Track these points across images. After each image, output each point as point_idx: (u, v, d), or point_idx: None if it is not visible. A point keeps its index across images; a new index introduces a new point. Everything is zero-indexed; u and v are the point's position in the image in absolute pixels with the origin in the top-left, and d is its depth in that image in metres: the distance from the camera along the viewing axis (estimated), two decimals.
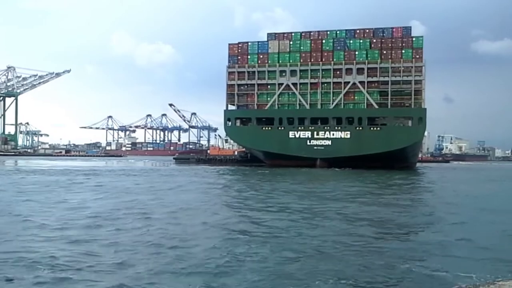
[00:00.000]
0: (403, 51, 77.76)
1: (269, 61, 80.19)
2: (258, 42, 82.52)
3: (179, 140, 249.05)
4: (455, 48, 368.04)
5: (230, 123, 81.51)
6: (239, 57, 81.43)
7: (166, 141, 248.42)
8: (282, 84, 79.34)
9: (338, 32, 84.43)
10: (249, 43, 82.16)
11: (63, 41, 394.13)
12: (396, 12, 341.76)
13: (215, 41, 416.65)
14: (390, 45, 78.92)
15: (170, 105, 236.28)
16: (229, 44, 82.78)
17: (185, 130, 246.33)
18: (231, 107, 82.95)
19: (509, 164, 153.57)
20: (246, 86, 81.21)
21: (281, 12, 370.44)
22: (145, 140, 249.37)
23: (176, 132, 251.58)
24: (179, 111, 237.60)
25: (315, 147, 75.93)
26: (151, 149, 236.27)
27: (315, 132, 76.31)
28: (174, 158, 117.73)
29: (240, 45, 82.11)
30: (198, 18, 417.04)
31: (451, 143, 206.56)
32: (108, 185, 34.54)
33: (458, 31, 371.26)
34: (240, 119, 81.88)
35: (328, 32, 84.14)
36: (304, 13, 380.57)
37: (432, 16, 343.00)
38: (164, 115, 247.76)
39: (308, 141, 76.43)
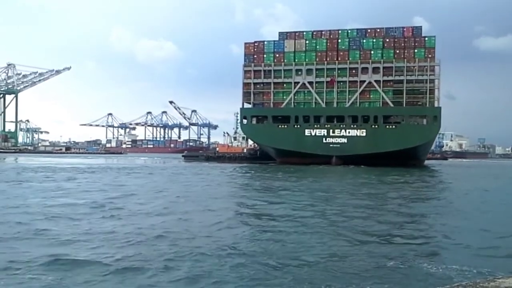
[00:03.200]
0: (416, 51, 79.13)
1: (285, 60, 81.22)
2: (274, 41, 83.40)
3: (179, 137, 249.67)
4: (457, 44, 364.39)
5: (246, 121, 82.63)
6: (255, 56, 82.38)
7: (166, 138, 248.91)
8: (298, 82, 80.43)
9: (349, 31, 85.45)
10: (265, 42, 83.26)
11: (62, 38, 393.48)
12: (398, 7, 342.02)
13: (215, 37, 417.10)
14: (403, 44, 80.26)
15: (170, 102, 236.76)
16: (245, 43, 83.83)
17: (186, 128, 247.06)
18: (247, 105, 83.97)
19: (511, 162, 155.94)
20: (262, 85, 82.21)
21: (281, 8, 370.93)
22: (145, 137, 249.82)
23: (176, 130, 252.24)
24: (179, 108, 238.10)
25: (331, 145, 77.18)
26: (151, 146, 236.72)
27: (331, 130, 77.55)
28: (183, 156, 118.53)
29: (256, 44, 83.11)
30: (198, 14, 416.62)
31: (451, 140, 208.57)
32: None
33: (460, 27, 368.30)
34: (256, 117, 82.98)
35: (340, 31, 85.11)
36: (304, 8, 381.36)
37: (434, 12, 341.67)
38: (164, 112, 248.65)
39: (324, 139, 77.64)
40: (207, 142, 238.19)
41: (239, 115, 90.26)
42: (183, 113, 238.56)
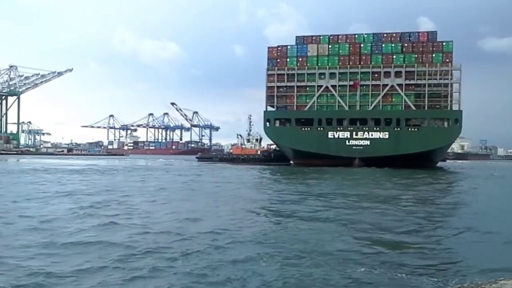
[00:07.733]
0: (434, 55, 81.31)
1: (308, 64, 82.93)
2: (297, 45, 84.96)
3: (181, 139, 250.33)
4: (462, 45, 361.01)
5: (269, 123, 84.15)
6: (278, 60, 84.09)
7: (168, 140, 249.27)
8: (321, 86, 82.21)
9: (365, 36, 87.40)
10: (288, 47, 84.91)
11: (64, 39, 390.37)
12: (402, 7, 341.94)
13: (218, 38, 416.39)
14: (421, 49, 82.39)
15: (172, 103, 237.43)
16: (268, 47, 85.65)
17: (187, 129, 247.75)
18: (270, 109, 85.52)
19: None
20: (285, 88, 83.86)
21: (285, 8, 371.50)
22: (147, 139, 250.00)
23: (178, 131, 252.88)
24: (181, 110, 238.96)
25: (354, 147, 79.02)
26: (153, 148, 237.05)
27: (354, 133, 79.44)
28: (196, 158, 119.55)
29: (279, 48, 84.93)
30: (201, 14, 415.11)
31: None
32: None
33: (465, 28, 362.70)
34: (279, 119, 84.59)
35: (356, 36, 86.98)
36: (308, 9, 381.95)
37: (439, 13, 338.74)
38: (166, 114, 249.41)
39: (347, 141, 79.49)
40: (208, 144, 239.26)
41: (252, 118, 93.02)
42: (185, 114, 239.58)
